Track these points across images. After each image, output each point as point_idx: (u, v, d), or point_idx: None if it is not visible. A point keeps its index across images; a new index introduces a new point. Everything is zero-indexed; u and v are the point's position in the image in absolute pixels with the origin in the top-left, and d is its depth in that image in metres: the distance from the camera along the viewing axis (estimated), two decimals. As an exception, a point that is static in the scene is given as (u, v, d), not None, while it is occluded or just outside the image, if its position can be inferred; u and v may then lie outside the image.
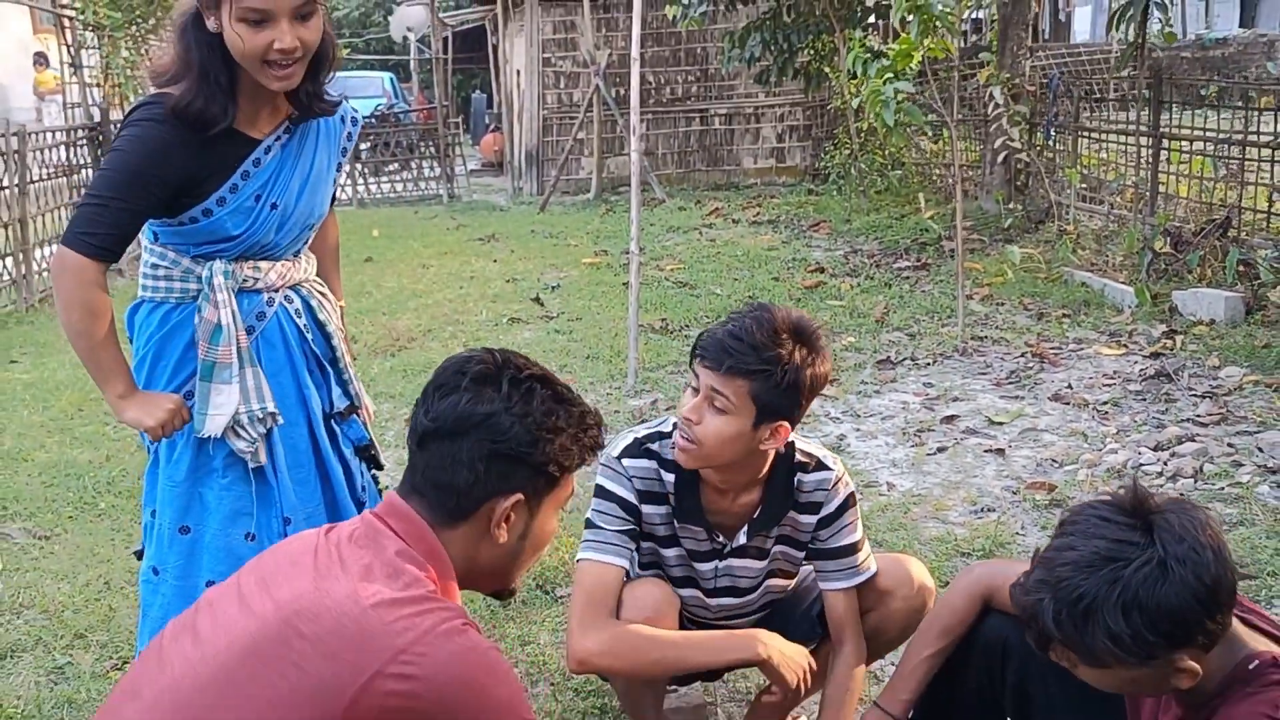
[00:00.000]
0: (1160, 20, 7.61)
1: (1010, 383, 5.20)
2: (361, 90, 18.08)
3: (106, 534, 3.91)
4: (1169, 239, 6.88)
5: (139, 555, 2.43)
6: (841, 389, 5.27)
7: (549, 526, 1.64)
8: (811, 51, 10.73)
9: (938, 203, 10.33)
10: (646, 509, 2.25)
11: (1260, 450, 4.15)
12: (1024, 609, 1.45)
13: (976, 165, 10.22)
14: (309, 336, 2.33)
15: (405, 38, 14.93)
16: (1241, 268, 6.30)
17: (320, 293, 2.38)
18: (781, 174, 13.29)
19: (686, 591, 2.35)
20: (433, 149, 14.42)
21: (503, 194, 14.38)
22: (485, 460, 1.53)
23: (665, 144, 13.29)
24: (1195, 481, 3.94)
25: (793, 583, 2.44)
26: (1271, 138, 6.83)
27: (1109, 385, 5.05)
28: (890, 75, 5.55)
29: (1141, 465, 4.10)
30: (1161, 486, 3.92)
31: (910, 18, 5.15)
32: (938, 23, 5.20)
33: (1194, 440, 4.27)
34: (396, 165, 14.88)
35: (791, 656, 2.15)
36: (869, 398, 5.15)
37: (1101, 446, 4.32)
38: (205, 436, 2.20)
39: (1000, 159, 8.66)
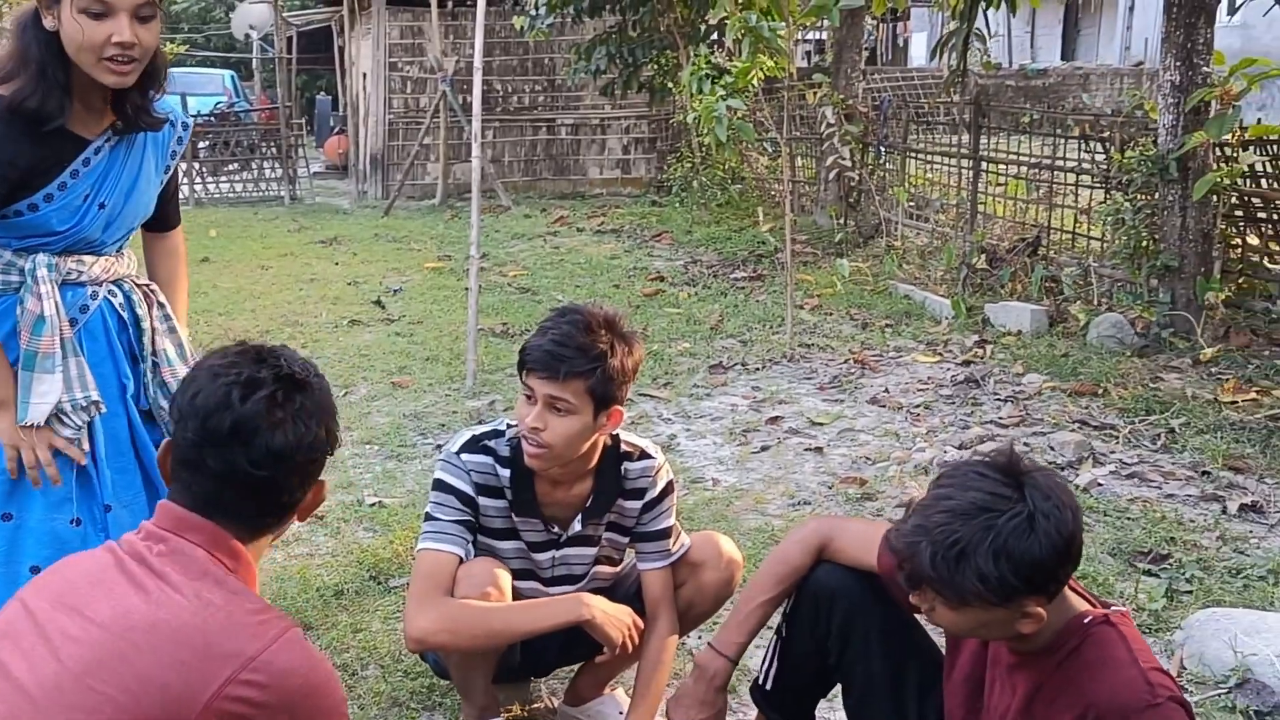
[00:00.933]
0: (980, 50, 8.08)
1: (833, 387, 5.47)
2: (201, 87, 17.55)
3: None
4: (986, 256, 7.33)
5: None
6: (674, 391, 5.44)
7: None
8: (656, 66, 10.98)
9: (775, 217, 10.69)
10: (483, 501, 2.37)
11: (1051, 449, 4.50)
12: (900, 551, 1.61)
13: (812, 181, 10.63)
14: (130, 331, 2.34)
15: (247, 35, 14.59)
16: (1050, 283, 6.77)
17: (143, 290, 2.39)
18: (627, 185, 13.50)
19: (525, 584, 2.45)
20: (274, 150, 14.11)
21: (346, 197, 14.17)
22: (305, 473, 1.60)
23: (512, 152, 13.35)
24: (994, 477, 4.24)
25: (619, 569, 2.58)
26: (1076, 164, 7.35)
27: (923, 390, 5.36)
28: (724, 93, 5.77)
29: (946, 461, 4.38)
30: (963, 482, 4.21)
31: (743, 38, 5.37)
32: (766, 44, 5.44)
33: (994, 440, 4.59)
34: (236, 165, 14.50)
35: (615, 614, 2.28)
36: (700, 400, 5.33)
37: (911, 445, 4.60)
38: (29, 424, 2.19)
39: (833, 176, 9.03)
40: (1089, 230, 7.30)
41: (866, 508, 4.00)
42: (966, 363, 5.77)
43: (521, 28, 10.98)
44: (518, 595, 2.44)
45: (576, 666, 2.70)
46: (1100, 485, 4.14)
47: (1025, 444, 4.56)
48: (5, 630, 1.50)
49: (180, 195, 2.65)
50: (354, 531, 3.82)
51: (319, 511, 3.96)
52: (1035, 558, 1.54)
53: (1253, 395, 5.04)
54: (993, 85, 8.86)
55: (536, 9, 10.83)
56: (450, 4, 12.97)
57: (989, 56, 8.33)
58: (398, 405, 5.27)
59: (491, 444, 2.37)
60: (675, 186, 11.55)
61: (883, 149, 9.61)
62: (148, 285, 2.41)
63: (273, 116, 14.84)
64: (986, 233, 7.81)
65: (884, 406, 5.13)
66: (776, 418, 5.00)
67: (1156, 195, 6.03)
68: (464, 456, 2.36)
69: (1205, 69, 5.90)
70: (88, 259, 2.26)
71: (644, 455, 2.45)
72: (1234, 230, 6.27)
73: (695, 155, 10.78)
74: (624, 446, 2.43)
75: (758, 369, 5.82)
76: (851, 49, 9.91)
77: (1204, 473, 4.26)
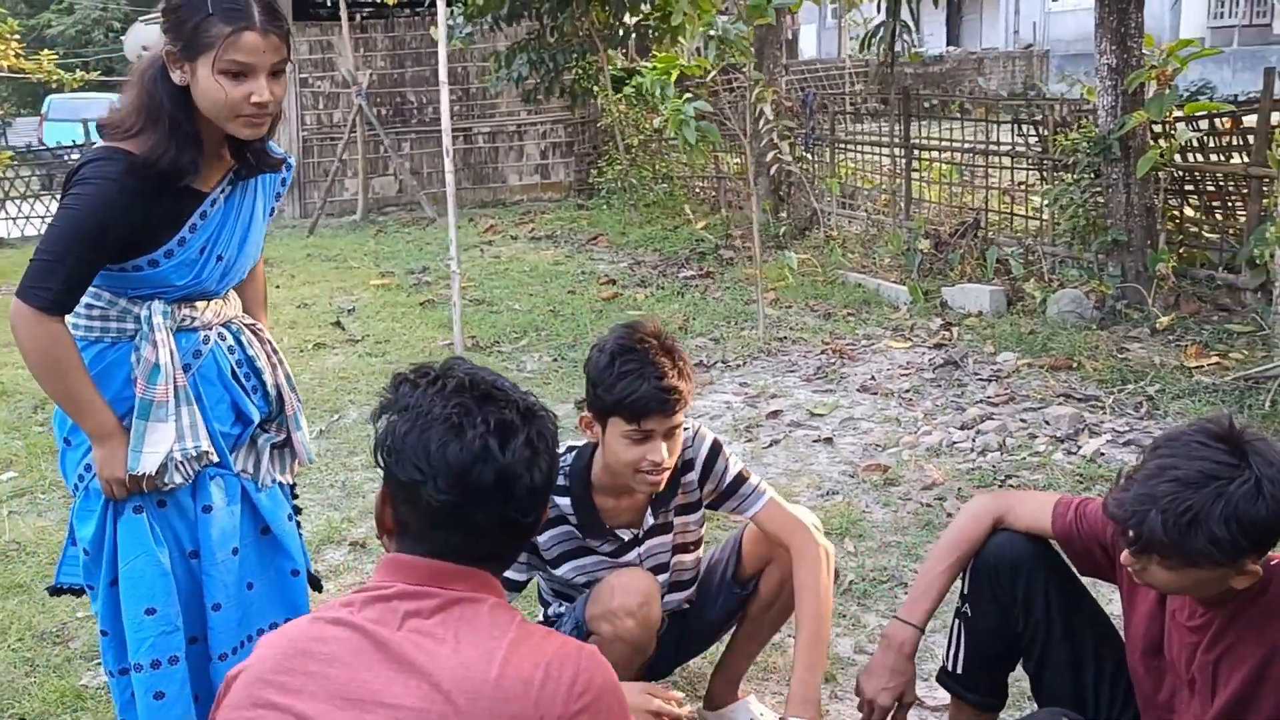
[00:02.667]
0: (906, 42, 8.33)
1: (819, 378, 5.60)
2: (84, 112, 16.91)
3: None
4: (930, 241, 7.56)
5: (57, 591, 2.37)
6: (665, 393, 5.50)
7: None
8: (578, 70, 11.01)
9: (705, 214, 10.85)
10: (542, 537, 2.44)
11: (1047, 424, 4.69)
12: (1125, 519, 1.71)
13: (740, 176, 10.79)
14: (241, 371, 2.33)
15: (140, 57, 14.05)
16: (998, 264, 7.02)
17: (250, 329, 2.37)
18: (547, 190, 13.49)
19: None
20: (180, 173, 13.70)
21: (260, 218, 13.83)
22: (539, 509, 1.55)
23: (430, 163, 13.22)
24: (1001, 454, 4.42)
25: (697, 557, 2.62)
26: (1010, 147, 7.64)
27: (906, 375, 5.53)
28: (689, 95, 5.85)
29: (954, 443, 4.54)
30: (975, 460, 4.37)
31: (708, 41, 5.45)
32: (731, 46, 5.54)
33: (992, 419, 4.77)
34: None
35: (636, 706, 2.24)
36: (692, 400, 5.40)
37: (916, 430, 4.74)
38: (139, 474, 2.15)
39: (773, 171, 9.19)
40: (1026, 211, 7.60)
41: (892, 493, 4.12)
42: (939, 345, 5.96)
43: (438, 37, 10.87)
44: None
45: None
46: (1104, 454, 4.34)
47: (1022, 419, 4.75)
48: None
49: None
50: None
51: (361, 539, 3.95)
52: (1264, 520, 1.65)
53: (1215, 359, 5.33)
54: (893, 74, 9.09)
55: (455, 18, 10.77)
56: (359, 16, 12.79)
57: (915, 47, 8.59)
58: (392, 426, 5.21)
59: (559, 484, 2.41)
60: (603, 189, 11.59)
61: (810, 142, 9.82)
62: (254, 324, 2.39)
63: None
64: (923, 218, 8.05)
65: (875, 394, 5.28)
66: (775, 412, 5.11)
67: (1100, 174, 6.31)
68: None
69: (1139, 51, 6.20)
70: (200, 304, 2.26)
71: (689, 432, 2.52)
72: (1173, 204, 6.59)
73: (624, 157, 10.84)
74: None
75: (739, 365, 5.92)
76: (773, 45, 10.09)
77: (1193, 435, 4.49)
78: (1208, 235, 6.51)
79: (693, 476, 2.50)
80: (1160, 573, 1.74)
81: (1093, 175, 6.33)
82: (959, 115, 8.66)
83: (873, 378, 5.51)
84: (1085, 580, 2.22)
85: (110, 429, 2.15)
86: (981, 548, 2.19)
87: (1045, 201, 7.04)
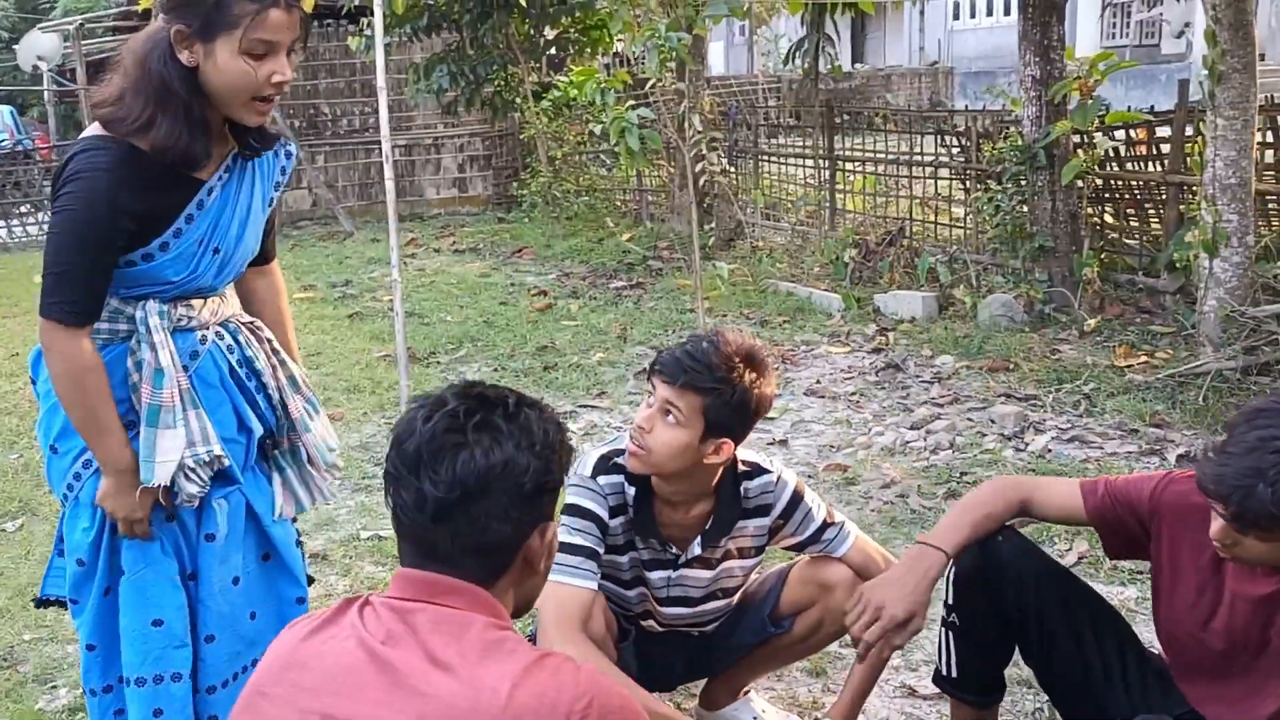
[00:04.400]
0: (829, 55, 8.49)
1: (764, 383, 5.64)
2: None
3: None
4: (859, 250, 7.70)
5: (43, 603, 2.25)
6: (612, 400, 5.49)
7: (553, 545, 1.59)
8: (500, 82, 10.96)
9: (629, 226, 10.89)
10: (612, 522, 2.32)
11: (993, 422, 4.80)
12: (1225, 494, 1.70)
13: (663, 189, 10.86)
14: (241, 371, 2.21)
15: (36, 67, 13.60)
16: (927, 273, 7.18)
17: (248, 327, 2.26)
18: (465, 203, 13.38)
19: (635, 591, 2.44)
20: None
21: (167, 233, 13.44)
22: (517, 506, 1.45)
23: (346, 176, 13.02)
24: (953, 452, 4.51)
25: (730, 604, 2.54)
26: (934, 157, 7.83)
27: (849, 379, 5.61)
28: (632, 103, 5.87)
29: (908, 443, 4.62)
30: (929, 458, 4.45)
31: (651, 49, 5.48)
32: (673, 53, 5.58)
33: (940, 419, 4.87)
34: (30, 206, 13.52)
35: None
36: (640, 407, 5.40)
37: (868, 431, 4.81)
38: (154, 485, 2.04)
39: (703, 183, 9.26)
40: (950, 219, 7.79)
41: (853, 491, 4.17)
42: (877, 350, 6.06)
43: (357, 48, 10.74)
44: (630, 604, 2.46)
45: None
46: (1051, 451, 4.46)
47: (968, 419, 4.85)
48: None
49: None
50: (363, 567, 3.70)
51: (321, 550, 3.84)
52: None
53: (1143, 358, 5.53)
54: (809, 94, 9.27)
55: (368, 29, 10.62)
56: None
57: (837, 61, 8.75)
58: (340, 439, 5.09)
59: (621, 461, 2.31)
60: (525, 201, 11.54)
61: (734, 154, 9.94)
62: (252, 322, 2.28)
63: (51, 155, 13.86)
64: (849, 228, 8.20)
65: (822, 397, 5.34)
66: (726, 416, 5.12)
67: (1025, 182, 6.50)
68: (600, 479, 2.30)
69: (1061, 64, 6.42)
70: (196, 303, 2.12)
71: (760, 471, 2.40)
72: (1094, 210, 6.82)
73: (547, 170, 10.82)
74: (741, 465, 2.37)
75: (683, 372, 5.93)
76: (696, 58, 10.18)
77: (1132, 430, 4.65)
78: (1128, 241, 6.75)
79: (764, 523, 2.40)
80: (1257, 545, 1.74)
81: (1018, 183, 6.53)
82: (880, 128, 8.84)
83: (818, 381, 5.57)
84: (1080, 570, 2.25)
85: (126, 463, 2.02)
86: (960, 561, 2.15)
87: (972, 210, 7.22)
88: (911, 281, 7.14)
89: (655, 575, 2.42)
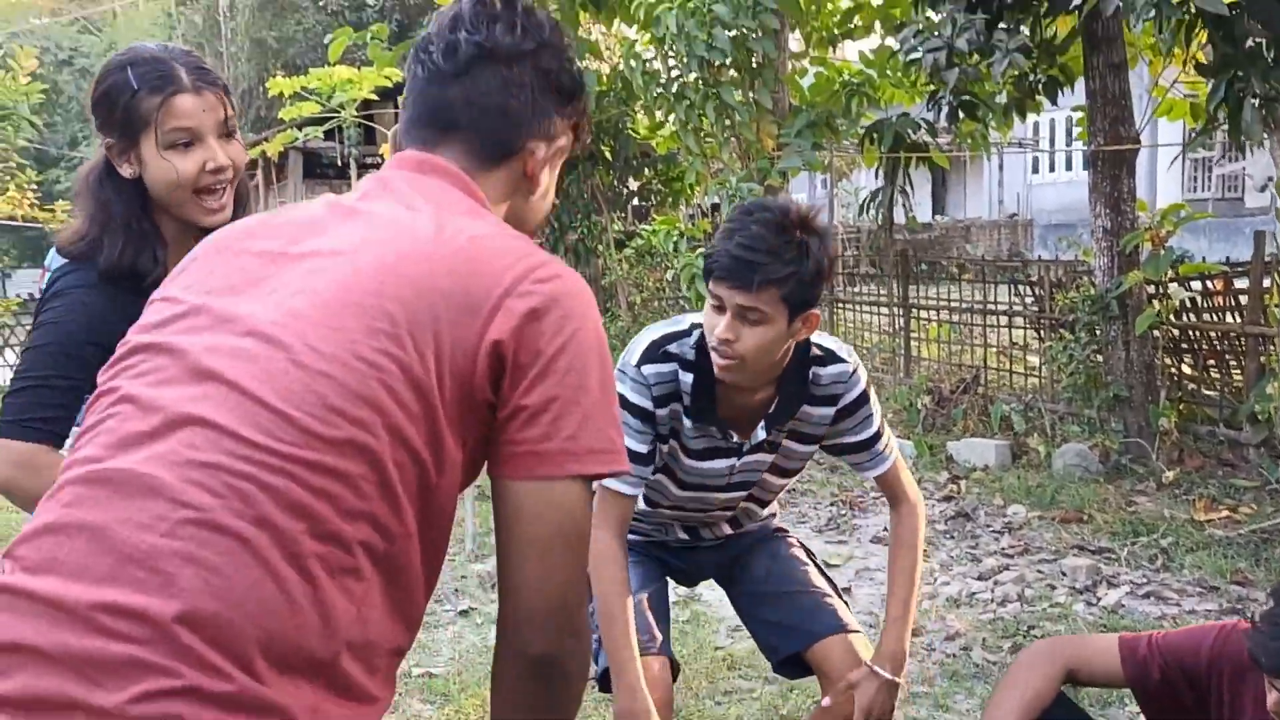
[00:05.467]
0: (904, 206, 8.64)
1: (831, 529, 5.59)
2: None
3: None
4: (932, 397, 7.67)
5: None
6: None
7: (552, 180, 1.47)
8: (583, 230, 11.32)
9: (704, 370, 11.00)
10: (660, 411, 2.21)
11: (1065, 575, 4.68)
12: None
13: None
14: None
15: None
16: (1000, 421, 7.10)
17: None
18: (547, 346, 13.65)
19: (690, 494, 2.37)
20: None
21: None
22: (538, 87, 1.36)
23: (432, 318, 13.43)
24: (1021, 605, 4.39)
25: (787, 484, 2.48)
26: (1008, 306, 7.83)
27: (917, 526, 5.52)
28: (701, 250, 6.04)
29: (974, 594, 4.51)
30: (995, 610, 4.34)
31: (724, 200, 5.67)
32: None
33: (1009, 569, 4.76)
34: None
35: None
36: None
37: (933, 580, 4.72)
38: None
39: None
40: (1024, 368, 7.73)
41: (915, 643, 4.07)
42: (948, 498, 5.97)
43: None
44: (682, 507, 2.41)
45: None
46: (1124, 606, 4.32)
47: (1039, 570, 4.74)
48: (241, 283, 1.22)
49: None
50: (411, 704, 3.70)
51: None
52: None
53: (1225, 513, 5.36)
54: (885, 243, 9.39)
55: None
56: (366, 173, 13.18)
57: (913, 213, 8.89)
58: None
59: (674, 348, 2.19)
60: (610, 344, 11.75)
61: (809, 300, 10.04)
62: None
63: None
64: (923, 375, 8.19)
65: (888, 545, 5.25)
66: (790, 561, 5.08)
67: (1098, 332, 6.46)
68: (645, 369, 2.17)
69: (1132, 215, 6.44)
70: None
71: (835, 358, 2.26)
72: (1171, 360, 6.73)
73: (628, 314, 11.05)
74: (813, 350, 2.25)
75: (749, 516, 5.91)
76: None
77: (1212, 588, 4.49)
78: (1207, 392, 6.62)
79: (828, 413, 2.27)
80: None
81: (1091, 333, 6.49)
82: (955, 276, 8.90)
83: (885, 529, 5.50)
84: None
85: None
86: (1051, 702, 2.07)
87: (1046, 358, 7.17)
88: (985, 429, 7.07)
89: (719, 464, 2.30)
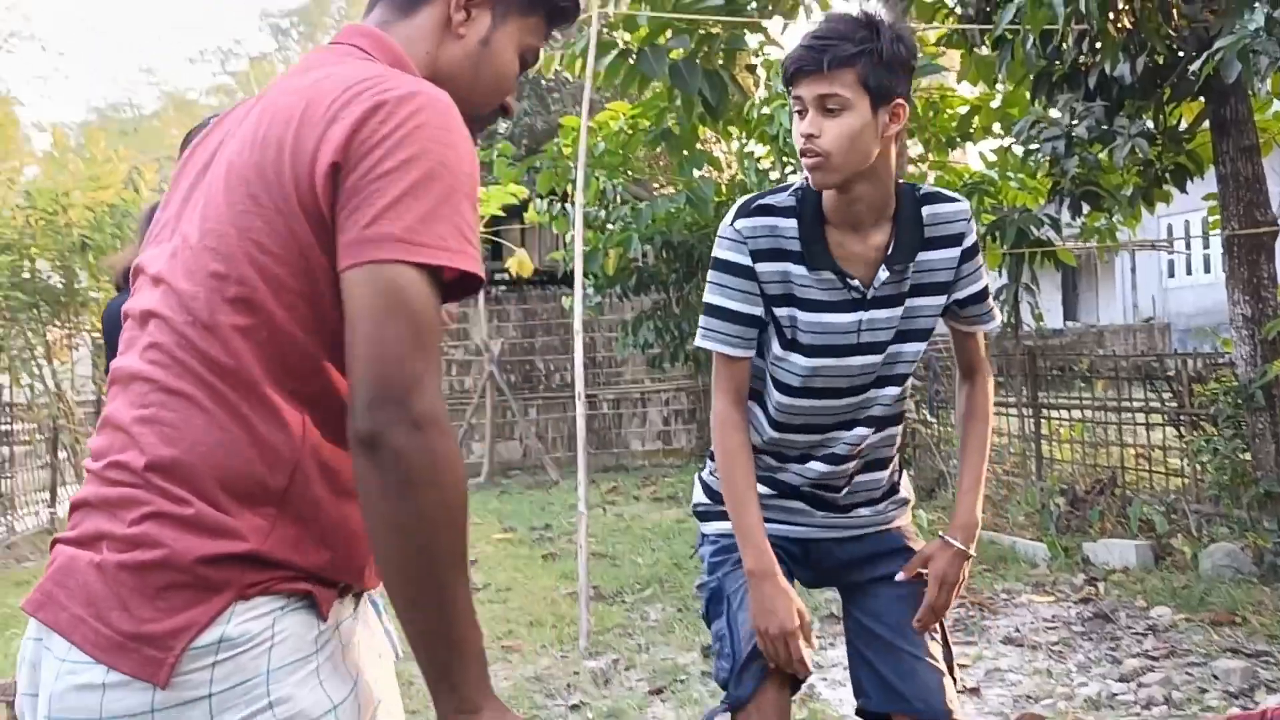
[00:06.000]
0: (1029, 304, 8.42)
1: (960, 630, 5.33)
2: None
3: None
4: (1066, 498, 7.33)
5: None
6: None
7: (509, 56, 1.49)
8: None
9: (828, 477, 10.78)
10: (762, 267, 2.12)
11: (1216, 678, 4.33)
12: None
13: (863, 441, 10.75)
14: None
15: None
16: (1139, 521, 6.73)
17: None
18: (669, 455, 13.63)
19: (818, 361, 2.16)
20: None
21: (389, 481, 14.24)
22: None
23: (555, 429, 13.56)
24: (1168, 708, 4.07)
25: (919, 349, 2.24)
26: (1143, 403, 7.49)
27: (1052, 628, 5.22)
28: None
29: (1114, 695, 4.21)
30: (1139, 713, 4.03)
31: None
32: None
33: (1153, 671, 4.43)
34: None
35: None
36: (825, 649, 5.18)
37: (1070, 681, 4.43)
38: None
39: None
40: (1165, 466, 7.34)
41: (1050, 744, 3.81)
42: (1085, 600, 5.64)
43: (569, 307, 11.42)
44: (812, 392, 2.19)
45: None
46: (1284, 710, 3.96)
47: (1187, 674, 4.40)
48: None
49: None
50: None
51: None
52: None
53: (1396, 616, 4.92)
54: (1012, 344, 9.12)
55: (584, 288, 11.34)
56: (495, 290, 13.56)
57: (1039, 309, 8.66)
58: (514, 669, 5.10)
59: (770, 200, 2.15)
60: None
61: (935, 405, 9.81)
62: None
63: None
64: (1056, 476, 7.85)
65: (1021, 646, 4.97)
66: (914, 661, 4.84)
67: (1244, 426, 6.11)
68: (738, 224, 2.13)
69: (1273, 300, 6.15)
70: None
71: (946, 197, 2.20)
72: (1326, 456, 6.31)
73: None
74: (923, 191, 2.21)
75: (872, 617, 5.68)
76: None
77: (1385, 694, 4.10)
78: (1369, 489, 6.16)
79: (954, 254, 2.17)
80: None
81: (1236, 427, 6.14)
82: (1087, 378, 8.59)
83: (1017, 630, 5.21)
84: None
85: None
86: None
87: (1188, 456, 6.80)
88: (1123, 530, 6.70)
89: (845, 319, 2.13)
